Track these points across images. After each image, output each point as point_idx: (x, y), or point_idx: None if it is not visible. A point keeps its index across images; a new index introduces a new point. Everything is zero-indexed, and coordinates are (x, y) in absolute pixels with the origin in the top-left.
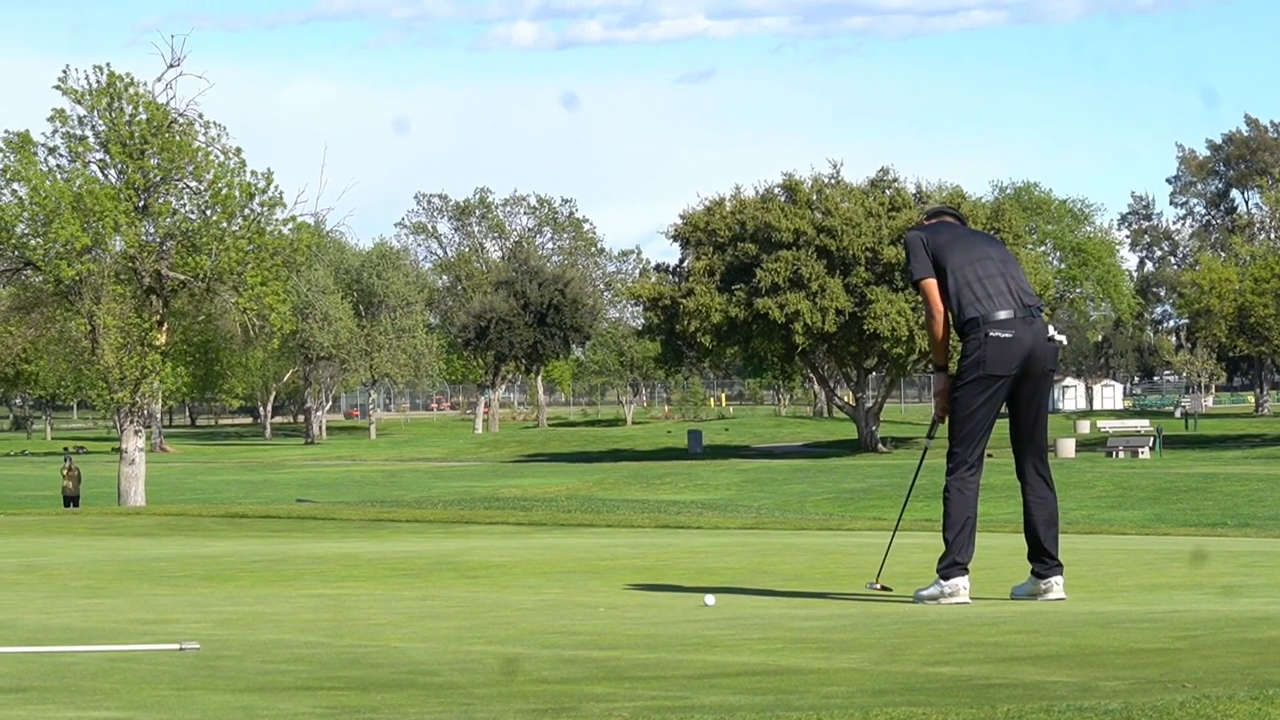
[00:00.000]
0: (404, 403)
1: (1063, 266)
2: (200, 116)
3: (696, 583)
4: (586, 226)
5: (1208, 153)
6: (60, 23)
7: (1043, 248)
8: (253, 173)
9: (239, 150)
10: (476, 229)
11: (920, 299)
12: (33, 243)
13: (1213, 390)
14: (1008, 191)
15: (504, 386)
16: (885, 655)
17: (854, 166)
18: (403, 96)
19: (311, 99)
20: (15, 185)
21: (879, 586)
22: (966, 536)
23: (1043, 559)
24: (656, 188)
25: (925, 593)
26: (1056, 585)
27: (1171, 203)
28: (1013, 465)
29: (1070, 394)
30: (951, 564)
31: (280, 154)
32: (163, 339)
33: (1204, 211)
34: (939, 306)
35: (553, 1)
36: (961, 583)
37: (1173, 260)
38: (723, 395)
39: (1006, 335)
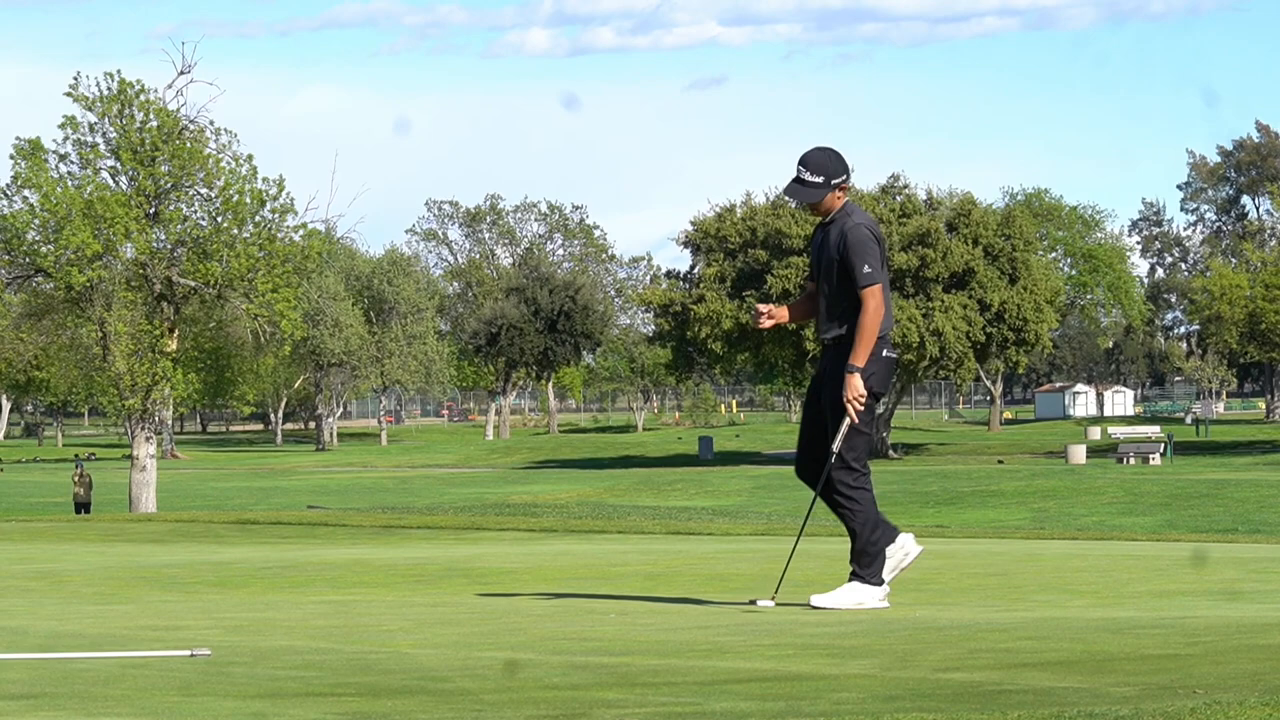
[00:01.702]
0: (414, 409)
1: (1073, 273)
2: (211, 123)
3: (708, 589)
4: (597, 233)
5: (1218, 159)
6: (72, 30)
7: (1053, 254)
8: (264, 179)
9: (250, 157)
10: (487, 235)
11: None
12: (44, 249)
13: (1224, 396)
14: (1018, 198)
15: (515, 393)
16: (896, 661)
17: (865, 173)
18: (414, 103)
19: (324, 105)
20: (26, 192)
21: (771, 602)
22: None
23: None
24: (667, 194)
25: (849, 600)
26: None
27: (1182, 209)
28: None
29: (1081, 400)
30: (882, 567)
31: (292, 160)
32: (174, 345)
33: (1215, 218)
34: (889, 310)
35: (566, 8)
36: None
37: (1183, 266)
38: (733, 401)
39: (894, 356)
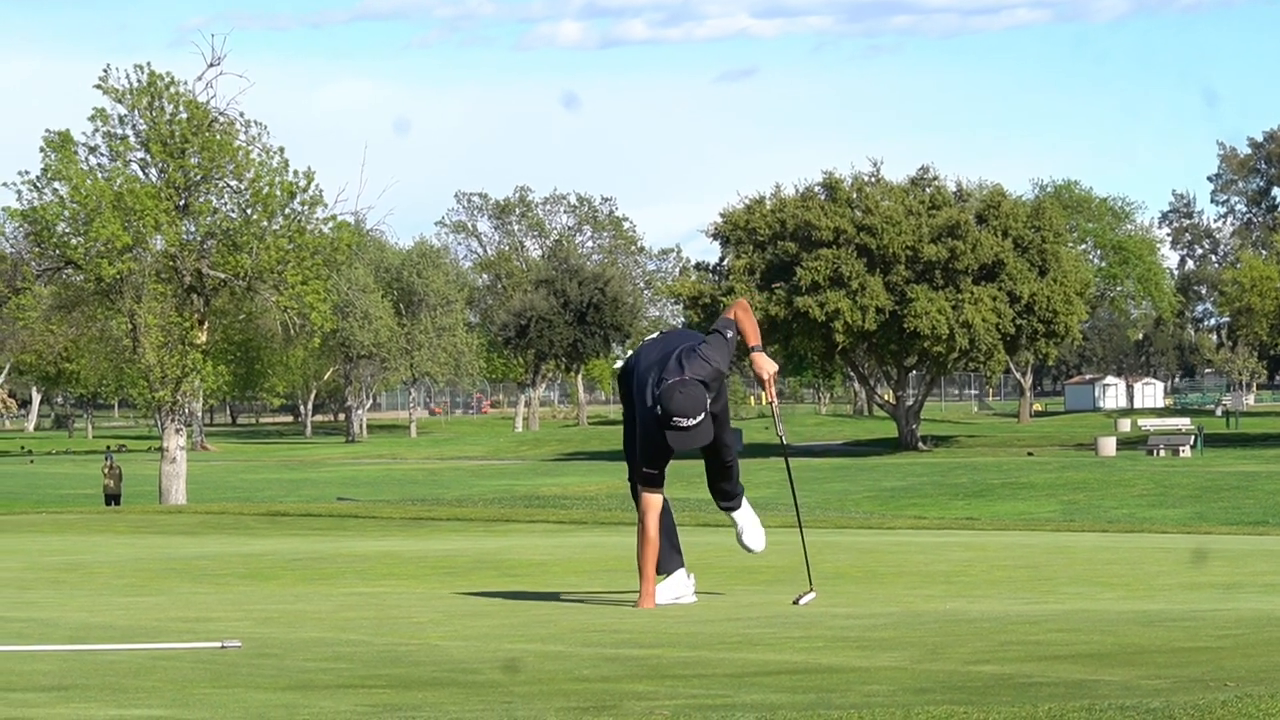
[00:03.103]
0: (445, 401)
1: (1103, 264)
2: (241, 115)
3: (736, 581)
4: (626, 225)
5: (1249, 150)
6: (104, 22)
7: (1083, 246)
8: (294, 171)
9: (281, 149)
10: (516, 227)
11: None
12: (74, 241)
13: (1254, 388)
14: (1048, 190)
15: (544, 385)
16: (926, 654)
17: (894, 165)
18: (445, 95)
19: (355, 97)
20: (56, 184)
21: (814, 593)
22: None
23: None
24: (696, 186)
25: (755, 520)
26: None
27: (1213, 201)
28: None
29: (1111, 392)
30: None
31: (324, 153)
32: (203, 337)
33: (1245, 209)
34: None
35: (597, 0)
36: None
37: (1214, 258)
38: (762, 393)
39: None
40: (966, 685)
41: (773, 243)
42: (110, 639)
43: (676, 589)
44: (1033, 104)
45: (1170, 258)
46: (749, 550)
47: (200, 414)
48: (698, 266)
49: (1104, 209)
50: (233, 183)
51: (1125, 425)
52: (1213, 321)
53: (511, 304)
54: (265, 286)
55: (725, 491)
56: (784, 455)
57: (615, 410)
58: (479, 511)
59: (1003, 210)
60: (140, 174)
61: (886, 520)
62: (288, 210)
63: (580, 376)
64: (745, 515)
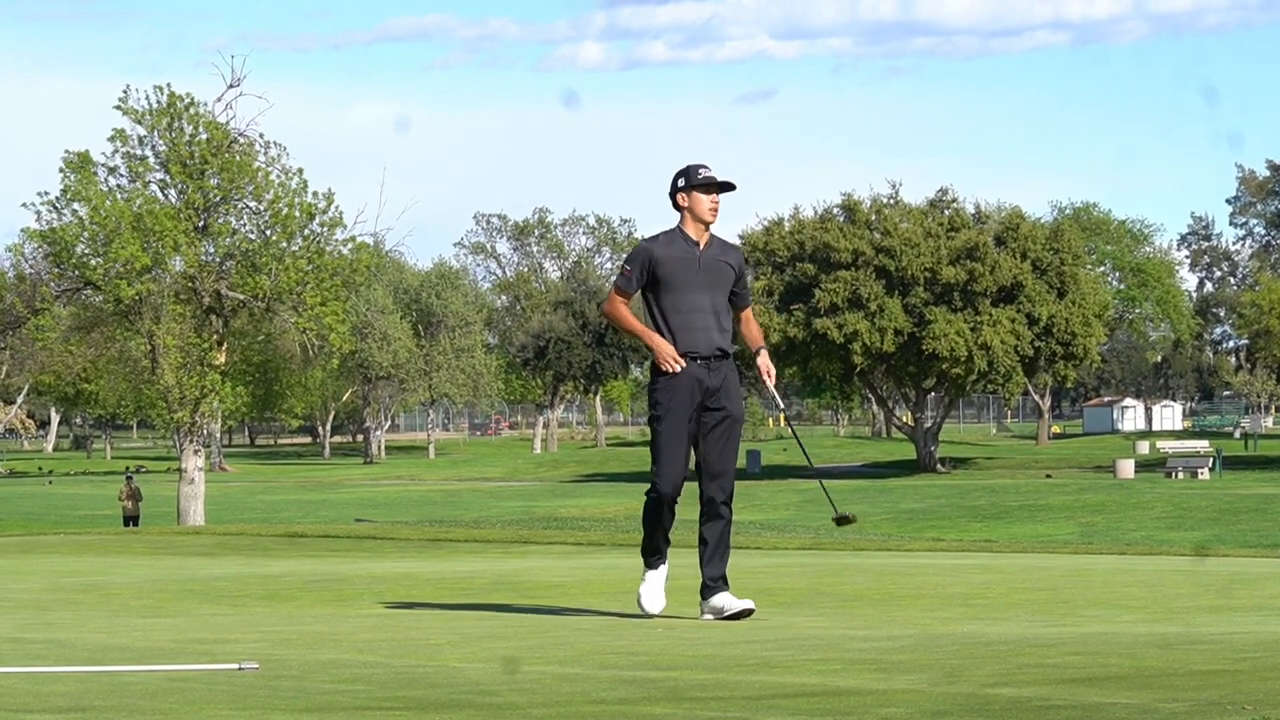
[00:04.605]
0: (462, 422)
1: (1122, 287)
2: (261, 136)
3: (755, 603)
4: None
5: (1268, 173)
6: (128, 44)
7: (1102, 268)
8: (313, 193)
9: (300, 170)
10: (535, 249)
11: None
12: (93, 262)
13: (1273, 410)
14: (1067, 212)
15: (562, 406)
16: (944, 676)
17: (913, 187)
18: (466, 116)
19: (376, 119)
20: (76, 205)
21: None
22: None
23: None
24: None
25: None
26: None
27: (1231, 223)
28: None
29: (1129, 414)
30: None
31: (346, 173)
32: (222, 358)
33: (1264, 232)
34: None
35: (618, 22)
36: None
37: (1232, 281)
38: (781, 415)
39: None
40: (984, 708)
41: (791, 264)
42: (128, 660)
43: (648, 588)
44: (1052, 126)
45: (1189, 280)
46: (747, 612)
47: (219, 435)
48: None
49: (1122, 231)
50: (252, 204)
51: (1144, 447)
52: (1231, 344)
53: (530, 325)
54: (284, 308)
55: (721, 550)
56: (790, 423)
57: (633, 432)
58: (497, 533)
59: (1021, 232)
60: (159, 195)
61: (904, 542)
62: (307, 231)
63: (599, 398)
64: (727, 595)
